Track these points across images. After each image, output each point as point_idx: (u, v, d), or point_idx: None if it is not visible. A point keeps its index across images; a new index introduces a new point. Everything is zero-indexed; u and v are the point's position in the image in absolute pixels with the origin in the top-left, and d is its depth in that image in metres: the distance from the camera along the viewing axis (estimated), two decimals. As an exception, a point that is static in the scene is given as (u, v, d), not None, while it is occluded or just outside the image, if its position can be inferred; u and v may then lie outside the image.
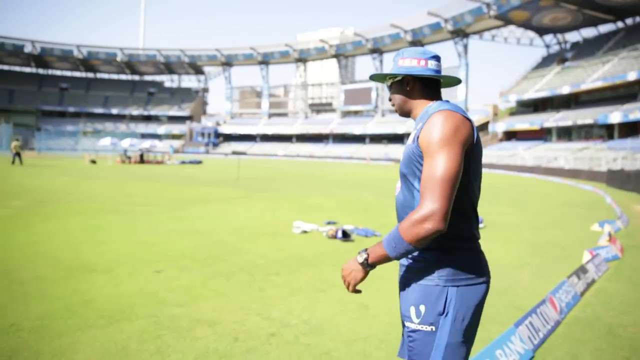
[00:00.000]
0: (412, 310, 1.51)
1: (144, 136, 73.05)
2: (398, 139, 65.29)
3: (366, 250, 1.51)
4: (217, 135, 76.75)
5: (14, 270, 4.48)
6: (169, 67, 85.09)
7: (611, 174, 22.16)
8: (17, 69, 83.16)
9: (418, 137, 1.49)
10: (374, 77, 1.72)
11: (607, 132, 37.75)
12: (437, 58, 1.63)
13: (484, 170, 36.52)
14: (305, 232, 7.06)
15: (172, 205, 9.81)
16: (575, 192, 17.80)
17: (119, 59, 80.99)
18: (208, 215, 8.62)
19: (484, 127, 56.40)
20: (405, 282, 1.57)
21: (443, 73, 1.64)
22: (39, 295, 3.80)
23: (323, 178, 21.74)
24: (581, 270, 4.56)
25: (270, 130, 75.71)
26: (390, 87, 1.70)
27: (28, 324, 3.20)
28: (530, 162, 36.56)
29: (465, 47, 60.94)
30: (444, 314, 1.46)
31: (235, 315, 3.48)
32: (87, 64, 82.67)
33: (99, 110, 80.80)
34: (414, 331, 1.50)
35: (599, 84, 38.73)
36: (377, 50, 69.68)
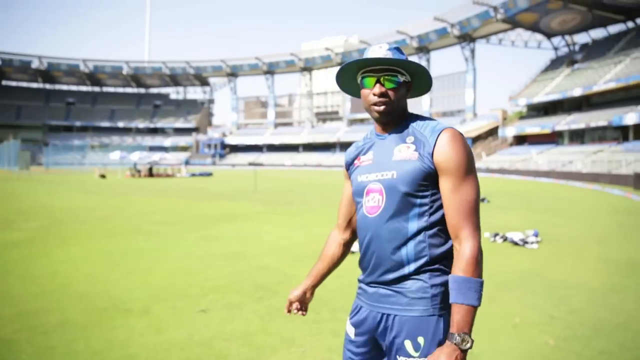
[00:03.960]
0: (409, 343, 1.40)
1: (151, 149, 72.84)
2: (407, 145, 64.51)
3: (459, 333, 1.28)
4: (224, 146, 76.39)
5: (36, 314, 3.79)
6: (174, 79, 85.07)
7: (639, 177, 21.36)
8: (24, 84, 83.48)
9: (432, 154, 1.41)
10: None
11: (622, 134, 36.88)
12: None
13: (496, 176, 35.78)
14: (353, 252, 6.35)
15: (197, 224, 9.13)
16: (608, 197, 17.00)
17: (124, 72, 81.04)
18: (239, 234, 7.93)
19: (493, 132, 55.66)
20: (390, 312, 1.44)
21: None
22: (69, 350, 3.12)
23: (342, 188, 21.04)
24: None
25: (276, 140, 75.19)
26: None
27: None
28: (545, 167, 35.74)
29: (472, 51, 60.37)
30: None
31: (317, 374, 2.79)
32: (93, 78, 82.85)
33: (105, 123, 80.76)
34: None
35: (612, 85, 37.92)
36: (383, 57, 69.30)
